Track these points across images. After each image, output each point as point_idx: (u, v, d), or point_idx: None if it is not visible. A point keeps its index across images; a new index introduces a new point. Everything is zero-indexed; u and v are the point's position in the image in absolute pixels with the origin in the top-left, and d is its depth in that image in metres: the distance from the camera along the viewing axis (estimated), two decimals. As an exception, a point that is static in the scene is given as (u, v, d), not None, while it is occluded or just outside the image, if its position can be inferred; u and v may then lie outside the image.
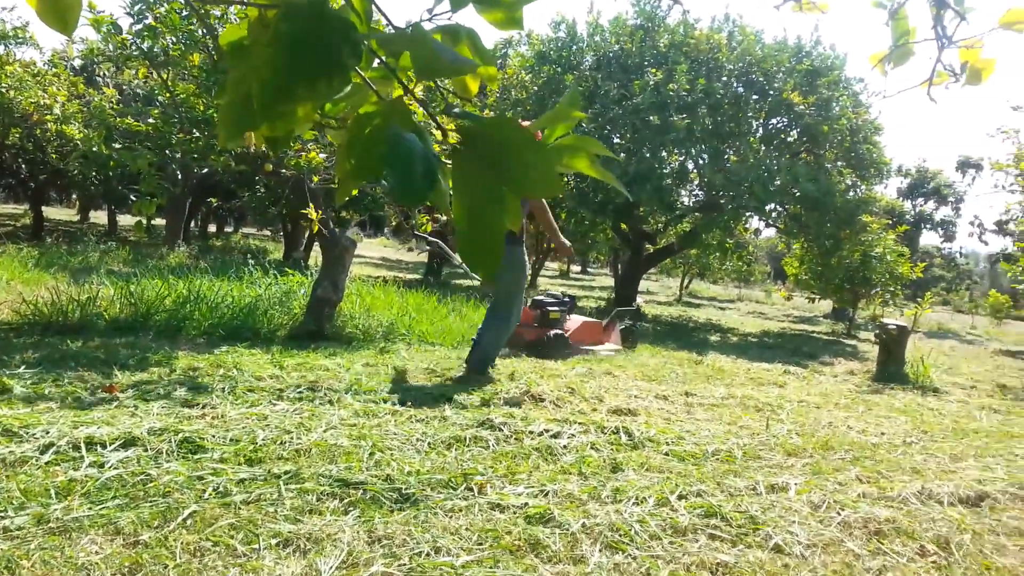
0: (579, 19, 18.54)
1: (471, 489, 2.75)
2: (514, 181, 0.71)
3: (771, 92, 12.84)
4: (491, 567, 2.12)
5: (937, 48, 1.43)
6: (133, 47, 5.28)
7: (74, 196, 34.20)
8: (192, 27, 5.11)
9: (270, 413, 3.52)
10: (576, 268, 42.49)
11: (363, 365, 5.07)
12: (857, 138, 12.96)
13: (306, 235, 17.10)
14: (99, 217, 32.43)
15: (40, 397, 3.47)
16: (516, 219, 0.77)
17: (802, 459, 3.74)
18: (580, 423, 3.89)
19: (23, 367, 3.99)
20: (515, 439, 3.52)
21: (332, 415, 3.60)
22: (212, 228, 31.69)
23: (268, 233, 34.14)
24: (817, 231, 13.05)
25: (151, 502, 2.36)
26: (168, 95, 5.70)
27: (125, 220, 26.91)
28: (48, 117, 6.45)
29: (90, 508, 2.26)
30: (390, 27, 0.88)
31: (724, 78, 12.75)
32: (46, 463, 2.59)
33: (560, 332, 7.03)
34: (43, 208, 19.61)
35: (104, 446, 2.78)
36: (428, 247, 7.13)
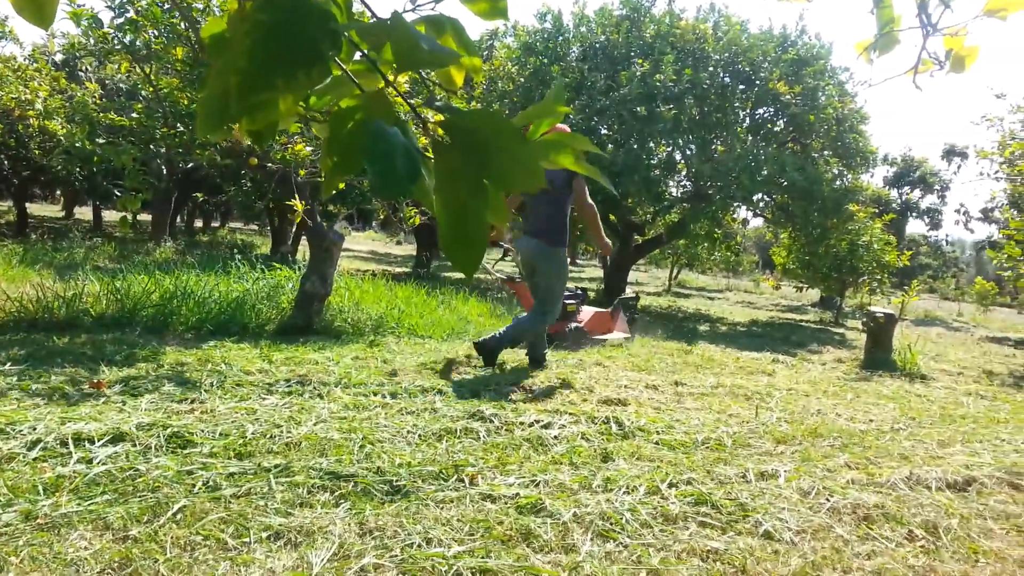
0: (565, 10, 18.49)
1: (462, 480, 2.76)
2: (497, 174, 0.70)
3: (757, 82, 12.87)
4: (483, 557, 2.13)
5: (922, 36, 1.43)
6: (115, 41, 5.23)
7: (58, 192, 33.96)
8: (174, 20, 5.07)
9: (259, 407, 3.51)
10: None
11: (353, 358, 5.07)
12: (843, 127, 13.01)
13: (293, 229, 17.03)
14: (84, 213, 32.19)
15: (27, 393, 3.44)
16: (500, 214, 0.76)
17: (791, 446, 3.76)
18: (571, 413, 3.90)
19: (9, 364, 3.97)
20: (506, 430, 3.52)
21: (322, 408, 3.60)
22: (198, 223, 31.52)
23: (255, 228, 34.03)
24: (804, 220, 13.10)
25: (140, 497, 2.35)
26: (151, 89, 5.65)
27: (110, 216, 26.71)
28: (30, 112, 6.39)
29: (78, 504, 2.25)
30: (373, 18, 0.87)
31: (710, 68, 12.76)
32: (33, 459, 2.58)
33: (579, 324, 7.19)
34: (27, 204, 19.45)
35: (92, 442, 2.76)
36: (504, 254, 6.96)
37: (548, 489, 2.74)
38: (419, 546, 2.17)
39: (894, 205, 35.80)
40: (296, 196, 5.60)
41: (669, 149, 13.52)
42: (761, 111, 13.77)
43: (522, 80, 13.61)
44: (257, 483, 2.53)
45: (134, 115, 5.74)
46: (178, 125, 5.73)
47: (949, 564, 2.38)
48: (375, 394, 4.04)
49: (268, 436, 3.05)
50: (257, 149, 5.69)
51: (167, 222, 18.76)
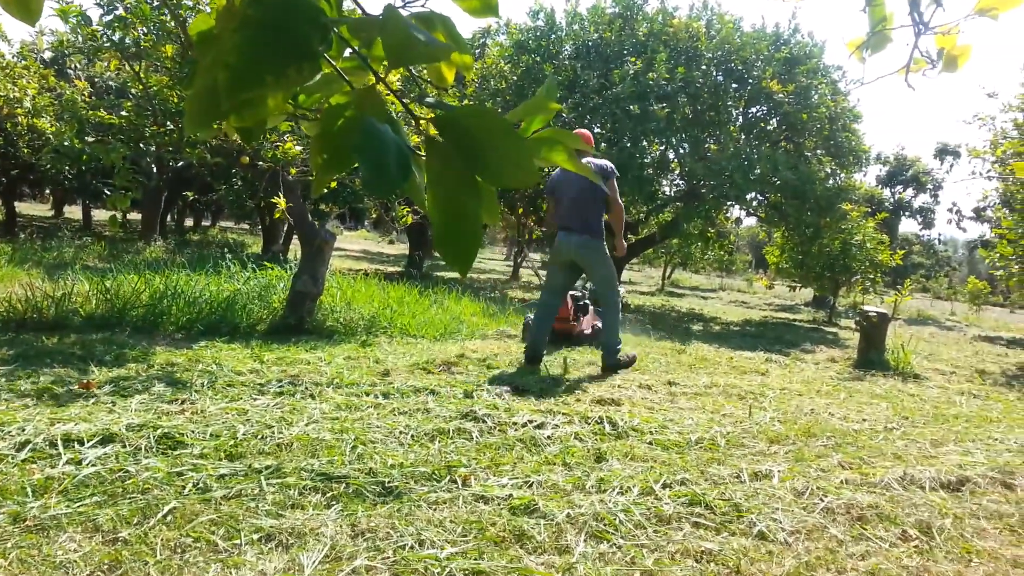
0: (558, 8, 18.44)
1: (455, 481, 2.74)
2: (490, 171, 0.69)
3: (750, 81, 12.88)
4: (476, 559, 2.12)
5: (914, 34, 1.42)
6: (104, 38, 5.19)
7: (47, 191, 33.78)
8: (164, 18, 5.03)
9: (250, 408, 3.49)
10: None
11: (345, 359, 5.04)
12: (836, 126, 13.04)
13: (284, 228, 16.96)
14: (73, 212, 32.04)
15: (16, 394, 3.41)
16: (492, 211, 0.75)
17: (785, 446, 3.76)
18: (564, 414, 3.89)
19: (-2, 365, 3.94)
20: (499, 430, 3.51)
21: (314, 409, 3.58)
22: (189, 222, 31.40)
23: (246, 227, 33.92)
24: (797, 219, 13.12)
25: (130, 499, 2.33)
26: (141, 87, 5.61)
27: (100, 215, 26.58)
28: (18, 111, 6.34)
29: (68, 506, 2.23)
30: (363, 15, 0.85)
31: (703, 67, 12.77)
32: (22, 461, 2.55)
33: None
34: (16, 203, 19.34)
35: (82, 443, 2.74)
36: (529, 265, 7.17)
37: (541, 490, 2.73)
38: (412, 548, 2.16)
39: (887, 204, 35.90)
40: (283, 194, 5.58)
41: (662, 148, 13.52)
42: (754, 110, 13.79)
43: (514, 78, 13.60)
44: (248, 484, 2.51)
45: (123, 113, 5.69)
46: (168, 123, 5.69)
47: (943, 564, 2.37)
48: (367, 394, 4.02)
49: (259, 437, 3.03)
50: (246, 147, 5.66)
51: (157, 221, 18.68)
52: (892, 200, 39.07)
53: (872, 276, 14.50)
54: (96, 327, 5.33)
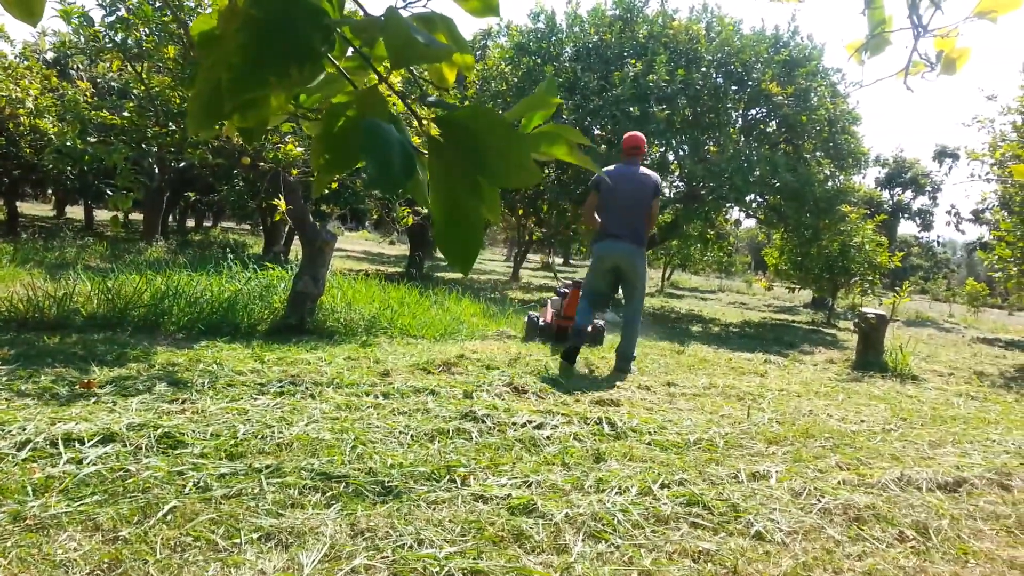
0: (558, 10, 18.47)
1: (454, 481, 2.75)
2: (491, 171, 0.70)
3: (750, 83, 12.90)
4: (474, 558, 2.13)
5: (913, 37, 1.44)
6: (106, 39, 5.21)
7: (49, 191, 33.79)
8: (166, 18, 5.04)
9: (251, 407, 3.50)
10: (559, 260, 42.54)
11: (345, 359, 5.05)
12: (835, 128, 13.05)
13: (286, 229, 16.96)
14: (75, 212, 32.04)
15: (17, 394, 3.42)
16: (495, 210, 0.76)
17: (783, 447, 3.77)
18: (563, 414, 3.90)
19: (-1, 364, 3.95)
20: (498, 431, 3.52)
21: (314, 409, 3.59)
22: (190, 222, 31.41)
23: (247, 227, 33.94)
24: (796, 221, 13.13)
25: (130, 498, 2.34)
26: (143, 88, 5.62)
27: (102, 215, 26.58)
28: (20, 111, 6.35)
29: (68, 505, 2.24)
30: (365, 16, 0.86)
31: (703, 69, 12.79)
32: (23, 460, 2.56)
33: (602, 323, 7.55)
34: (18, 203, 19.36)
35: (82, 442, 2.75)
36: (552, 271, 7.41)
37: (540, 490, 2.74)
38: (411, 547, 2.17)
39: (886, 206, 35.93)
40: (284, 195, 5.58)
41: (662, 149, 13.54)
42: (753, 112, 13.80)
43: (515, 80, 13.62)
44: (248, 484, 2.52)
45: (126, 114, 5.71)
46: (170, 124, 5.70)
47: (939, 565, 2.38)
48: (367, 394, 4.03)
49: (259, 436, 3.04)
50: (248, 148, 5.67)
51: (159, 221, 18.69)
52: (891, 202, 39.09)
53: (871, 278, 14.51)
54: (97, 327, 5.34)
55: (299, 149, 5.89)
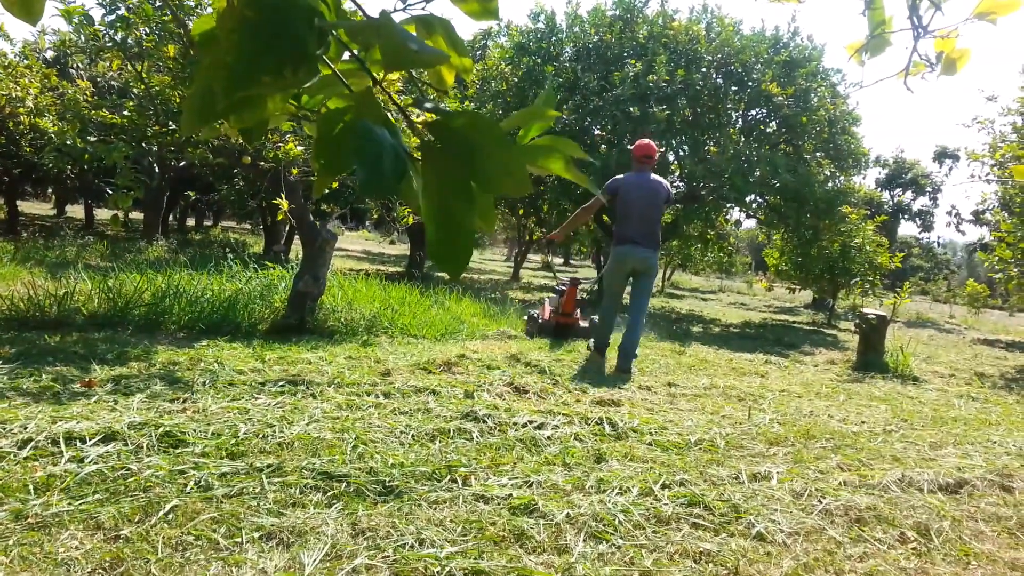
0: (558, 10, 18.47)
1: (455, 481, 2.75)
2: (483, 178, 0.70)
3: (750, 83, 12.90)
4: (475, 558, 2.13)
5: (913, 38, 1.44)
6: (106, 38, 5.21)
7: (50, 190, 33.80)
8: (166, 18, 5.04)
9: (252, 407, 3.50)
10: (559, 260, 42.55)
11: (345, 358, 5.05)
12: (835, 129, 13.04)
13: (286, 228, 16.95)
14: (76, 211, 32.05)
15: (18, 392, 3.43)
16: (488, 218, 0.76)
17: (784, 448, 3.77)
18: (564, 414, 3.90)
19: (0, 362, 3.95)
20: (499, 431, 3.52)
21: (315, 408, 3.59)
22: (191, 222, 31.42)
23: (248, 226, 33.94)
24: (796, 222, 13.13)
25: (132, 497, 2.34)
26: (143, 87, 5.62)
27: (102, 214, 26.59)
28: (20, 110, 6.35)
29: (69, 503, 2.24)
30: (364, 18, 0.86)
31: (703, 69, 12.78)
32: (24, 458, 2.56)
33: (594, 318, 7.63)
34: (18, 202, 19.36)
35: (83, 441, 2.75)
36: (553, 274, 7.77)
37: (541, 490, 2.74)
38: (412, 547, 2.17)
39: (886, 207, 35.92)
40: (285, 195, 5.58)
41: (662, 150, 13.53)
42: (753, 112, 13.79)
43: (515, 80, 13.61)
44: (249, 483, 2.52)
45: (126, 113, 5.71)
46: (170, 123, 5.70)
47: (941, 567, 2.39)
48: (368, 394, 4.03)
49: (260, 436, 3.04)
50: (248, 147, 5.67)
51: (159, 221, 18.69)
52: (891, 203, 39.08)
53: (871, 279, 14.52)
54: (98, 326, 5.34)
55: (300, 148, 5.89)
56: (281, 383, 4.05)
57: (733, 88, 13.10)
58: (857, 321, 8.38)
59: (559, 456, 3.23)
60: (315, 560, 2.03)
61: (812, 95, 12.84)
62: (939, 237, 51.56)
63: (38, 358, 4.18)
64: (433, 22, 0.83)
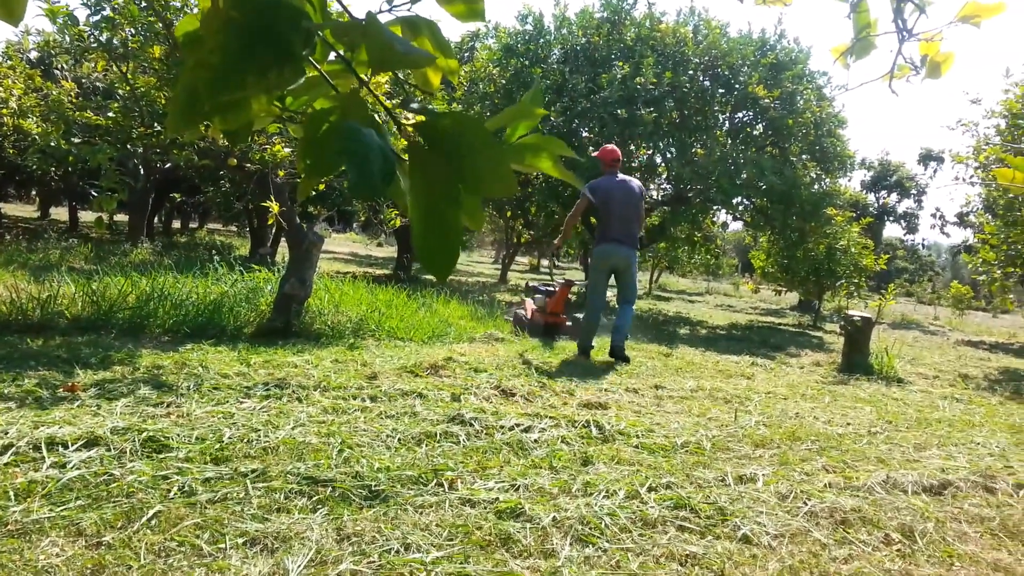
0: (546, 11, 18.47)
1: (441, 485, 2.74)
2: (470, 178, 0.69)
3: (736, 86, 12.96)
4: (461, 563, 2.12)
5: (898, 41, 1.44)
6: (91, 39, 5.16)
7: (34, 192, 33.51)
8: (152, 19, 5.01)
9: (236, 411, 3.47)
10: (545, 262, 42.54)
11: (332, 362, 5.03)
12: (821, 131, 13.12)
13: (273, 231, 16.88)
14: (60, 213, 31.82)
15: (-1, 398, 3.39)
16: (476, 218, 0.76)
17: (770, 450, 3.78)
18: (551, 417, 3.90)
19: (-19, 367, 3.90)
20: (486, 434, 3.51)
21: (300, 412, 3.57)
22: (176, 224, 31.24)
23: (234, 229, 33.79)
24: (783, 224, 13.19)
25: (114, 502, 2.31)
26: (128, 88, 5.58)
27: (87, 216, 26.39)
28: (3, 111, 6.29)
29: (51, 509, 2.22)
30: (350, 19, 0.86)
31: (690, 71, 12.83)
32: (4, 464, 2.53)
33: (577, 316, 8.22)
34: (1, 204, 19.18)
35: (65, 446, 2.72)
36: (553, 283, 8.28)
37: (528, 493, 2.74)
38: (397, 552, 2.16)
39: (871, 209, 36.16)
40: (273, 197, 5.56)
41: (650, 152, 13.57)
42: (740, 115, 13.86)
43: (503, 82, 13.62)
44: (233, 488, 2.50)
45: (111, 114, 5.66)
46: (155, 124, 5.66)
47: (925, 568, 2.40)
48: (354, 398, 4.01)
49: (245, 440, 3.02)
50: (234, 149, 5.63)
51: (144, 223, 18.55)
52: (876, 205, 39.33)
53: (856, 280, 14.60)
54: (82, 329, 5.29)
55: (286, 150, 5.86)
56: (267, 387, 4.02)
57: (720, 90, 13.15)
58: (842, 323, 8.42)
59: (546, 459, 3.22)
60: (300, 566, 2.02)
61: (798, 98, 12.92)
62: (924, 239, 52.00)
63: (20, 362, 4.14)
64: (419, 23, 0.82)
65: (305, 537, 2.19)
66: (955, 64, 1.66)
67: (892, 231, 44.96)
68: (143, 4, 4.91)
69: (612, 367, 6.08)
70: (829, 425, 4.55)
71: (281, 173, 6.18)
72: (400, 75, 1.12)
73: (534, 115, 0.79)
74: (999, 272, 12.58)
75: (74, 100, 6.02)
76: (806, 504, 2.86)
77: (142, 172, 15.08)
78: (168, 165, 14.54)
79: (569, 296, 8.60)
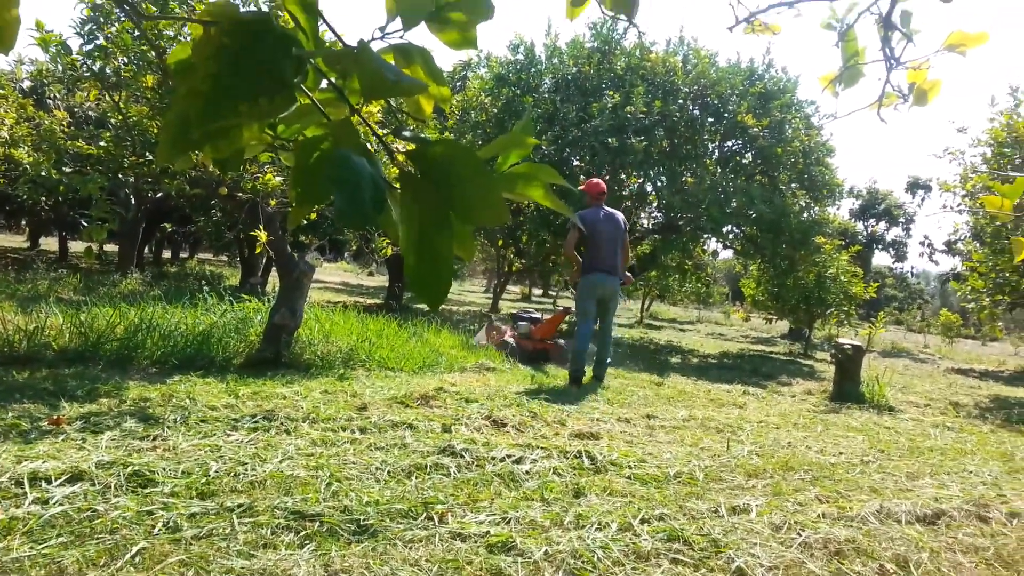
0: (537, 41, 18.69)
1: (431, 518, 2.70)
2: (461, 208, 0.68)
3: (726, 115, 13.09)
4: (452, 599, 2.08)
5: (885, 69, 1.45)
6: (84, 68, 5.17)
7: (23, 222, 33.39)
8: (144, 47, 5.02)
9: (224, 444, 3.43)
10: (538, 291, 42.56)
11: (321, 392, 4.99)
12: (810, 160, 13.24)
13: (263, 260, 16.84)
14: (50, 244, 31.69)
15: (-18, 431, 3.33)
16: (467, 247, 0.75)
17: (763, 480, 3.75)
18: (543, 448, 3.86)
19: (-35, 400, 3.84)
20: (477, 466, 3.48)
21: (288, 445, 3.52)
22: (167, 254, 31.15)
23: (225, 258, 33.71)
24: (772, 252, 13.26)
25: (98, 539, 2.27)
26: (120, 117, 5.57)
27: (76, 247, 26.31)
28: (-6, 141, 6.28)
29: (32, 547, 2.17)
30: (343, 46, 0.85)
31: (680, 101, 12.96)
32: (-14, 500, 2.48)
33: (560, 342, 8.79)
34: (-10, 234, 19.10)
35: (49, 481, 2.67)
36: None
37: (519, 526, 2.70)
38: (386, 587, 2.12)
39: (860, 237, 36.38)
40: (263, 227, 5.54)
41: (640, 180, 13.65)
42: (730, 143, 13.99)
43: (495, 111, 13.71)
44: (219, 523, 2.45)
45: (102, 144, 5.65)
46: (147, 154, 5.65)
47: (922, 600, 2.36)
48: (344, 429, 3.97)
49: (232, 474, 2.97)
50: (225, 178, 5.62)
51: (135, 253, 18.48)
52: (865, 233, 39.59)
53: (846, 308, 14.65)
54: (69, 361, 5.23)
55: (278, 179, 5.86)
56: (255, 419, 3.98)
57: (709, 119, 13.28)
58: (833, 351, 8.43)
59: (537, 491, 3.18)
60: (287, 603, 1.97)
61: (787, 126, 13.05)
62: (912, 267, 52.29)
63: (5, 395, 4.08)
64: (412, 51, 0.81)
65: (292, 574, 2.14)
66: (942, 92, 1.67)
67: (881, 259, 45.24)
68: (136, 33, 4.92)
69: (603, 397, 6.05)
70: (822, 454, 4.53)
71: (273, 202, 6.17)
72: (393, 103, 1.12)
73: (526, 144, 0.78)
74: (988, 300, 12.64)
75: (67, 129, 6.01)
76: (800, 535, 2.83)
77: (133, 201, 15.05)
78: (159, 195, 14.51)
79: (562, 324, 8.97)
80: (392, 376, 6.20)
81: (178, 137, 0.74)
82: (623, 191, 12.76)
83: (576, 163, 13.15)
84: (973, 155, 12.98)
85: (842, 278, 14.19)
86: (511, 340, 8.60)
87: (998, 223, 10.95)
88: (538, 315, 9.46)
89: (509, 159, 0.79)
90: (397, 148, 0.77)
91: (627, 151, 11.97)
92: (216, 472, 2.96)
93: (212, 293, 7.89)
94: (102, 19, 4.97)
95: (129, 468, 2.87)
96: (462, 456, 3.56)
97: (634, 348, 12.88)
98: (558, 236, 13.34)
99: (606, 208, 7.19)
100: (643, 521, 2.85)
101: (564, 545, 2.51)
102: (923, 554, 2.75)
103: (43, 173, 5.39)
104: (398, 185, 0.73)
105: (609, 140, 12.08)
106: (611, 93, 12.72)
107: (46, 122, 5.83)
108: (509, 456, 3.63)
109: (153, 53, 4.95)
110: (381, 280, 34.91)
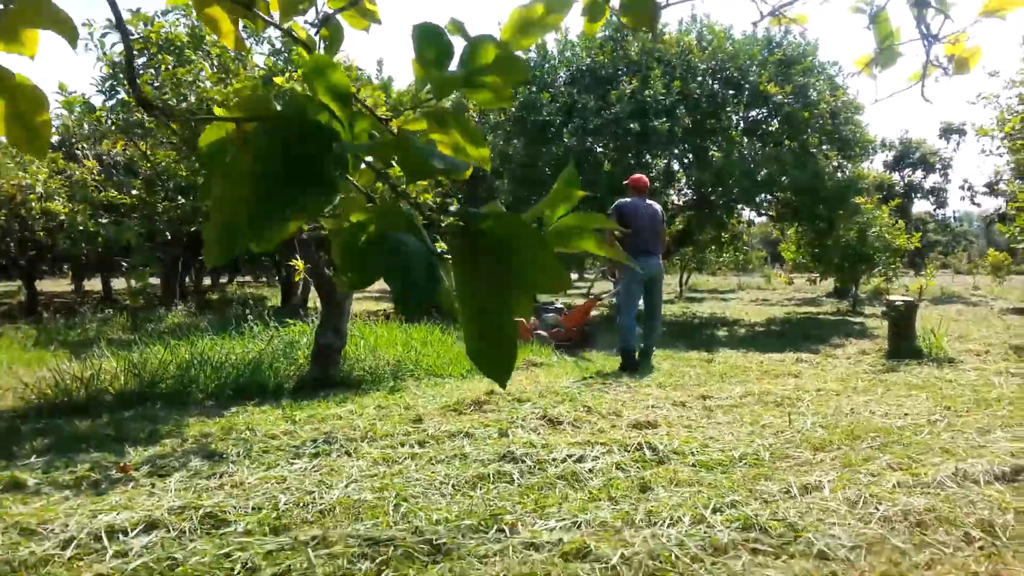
0: (548, 37, 18.61)
1: (502, 530, 2.70)
2: (519, 280, 0.67)
3: (747, 85, 12.88)
4: (534, 614, 2.07)
5: (924, 47, 1.40)
6: (108, 122, 5.26)
7: (66, 266, 34.14)
8: (165, 97, 5.09)
9: (288, 474, 3.47)
10: (574, 276, 42.43)
11: (375, 408, 5.02)
12: (838, 120, 12.99)
13: (301, 281, 17.01)
14: (93, 284, 32.37)
15: (55, 486, 3.40)
16: (525, 311, 0.72)
17: (830, 453, 3.69)
18: (602, 443, 3.84)
19: (33, 456, 3.93)
20: (539, 469, 3.47)
21: (351, 467, 3.55)
22: (207, 280, 31.61)
23: (264, 280, 34.14)
24: (810, 215, 13.05)
25: (180, 587, 2.30)
26: (148, 165, 5.66)
27: (119, 284, 26.81)
28: (31, 196, 6.43)
29: (119, 602, 2.21)
30: (383, 125, 0.84)
31: (699, 78, 12.79)
32: (69, 559, 2.53)
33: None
34: (36, 281, 19.57)
35: (125, 533, 2.72)
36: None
37: (591, 529, 2.69)
38: (468, 609, 2.12)
39: (898, 188, 35.65)
40: (299, 253, 5.59)
41: (667, 161, 13.51)
42: (754, 113, 13.77)
43: (512, 110, 13.65)
44: (296, 559, 2.48)
45: (135, 192, 5.75)
46: (179, 197, 5.74)
47: (1015, 566, 2.30)
48: (402, 445, 3.99)
49: (301, 505, 3.00)
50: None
51: (176, 285, 18.79)
52: (902, 184, 38.81)
53: (892, 262, 14.37)
54: (126, 404, 5.34)
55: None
56: (315, 443, 4.02)
57: (731, 92, 13.08)
58: (884, 309, 8.27)
59: (603, 490, 3.17)
60: (372, 635, 1.99)
61: (811, 90, 12.81)
62: (954, 211, 51.09)
63: (71, 446, 4.17)
64: (446, 117, 0.80)
65: (373, 603, 2.16)
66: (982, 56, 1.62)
67: (922, 206, 44.31)
68: (156, 84, 4.99)
69: (655, 381, 6.00)
70: (887, 418, 4.45)
71: (305, 228, 6.22)
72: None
73: (572, 197, 0.76)
74: (1036, 237, 12.31)
75: (97, 178, 6.13)
76: (877, 509, 2.78)
77: (170, 240, 15.29)
78: (194, 229, 14.73)
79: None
80: (442, 383, 6.23)
81: (225, 240, 0.73)
82: (651, 172, 12.63)
83: (599, 151, 13.05)
84: (1008, 96, 12.63)
85: (885, 234, 13.91)
86: (543, 333, 8.74)
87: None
88: (561, 305, 9.59)
89: (557, 213, 0.77)
90: (445, 225, 0.76)
91: (650, 134, 11.86)
92: (286, 504, 3.00)
93: (256, 320, 7.99)
94: (121, 75, 5.05)
95: (201, 510, 2.91)
96: (523, 461, 3.56)
97: (678, 324, 12.75)
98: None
99: (646, 199, 7.43)
100: (715, 511, 2.82)
101: (639, 546, 2.49)
102: (1008, 516, 2.69)
103: (80, 228, 5.50)
104: (449, 257, 0.71)
105: (631, 125, 11.96)
106: (628, 79, 12.59)
107: (77, 173, 5.95)
108: (570, 456, 3.62)
109: (174, 100, 5.01)
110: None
